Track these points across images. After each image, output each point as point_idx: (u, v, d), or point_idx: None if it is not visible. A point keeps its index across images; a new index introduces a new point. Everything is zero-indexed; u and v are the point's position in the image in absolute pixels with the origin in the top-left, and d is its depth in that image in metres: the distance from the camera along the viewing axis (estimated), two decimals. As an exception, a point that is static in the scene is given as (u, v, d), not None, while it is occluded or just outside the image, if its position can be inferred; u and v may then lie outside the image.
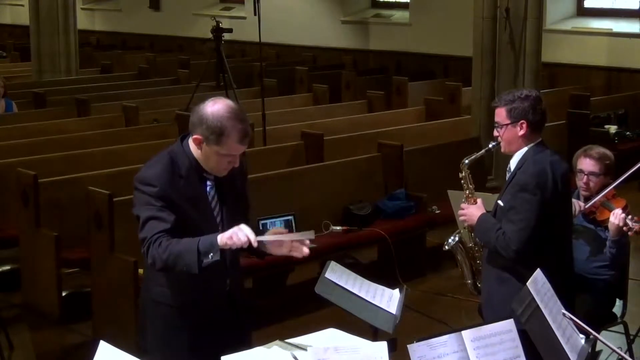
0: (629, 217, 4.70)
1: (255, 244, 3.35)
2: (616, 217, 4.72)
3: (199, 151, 3.51)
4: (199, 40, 13.66)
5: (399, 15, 14.67)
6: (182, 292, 3.55)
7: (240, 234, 3.31)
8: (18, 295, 6.60)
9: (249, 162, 6.46)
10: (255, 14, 8.52)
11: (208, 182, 3.57)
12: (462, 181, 4.32)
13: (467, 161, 4.33)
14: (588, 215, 4.97)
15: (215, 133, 3.42)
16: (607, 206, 4.90)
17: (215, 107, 3.46)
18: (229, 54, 11.83)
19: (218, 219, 3.58)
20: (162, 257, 3.37)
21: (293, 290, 6.76)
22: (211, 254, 3.32)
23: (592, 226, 4.98)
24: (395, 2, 15.08)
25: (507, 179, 4.18)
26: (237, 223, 3.45)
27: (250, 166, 6.84)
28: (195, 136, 3.49)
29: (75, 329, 6.18)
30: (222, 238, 3.32)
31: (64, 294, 6.34)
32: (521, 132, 4.10)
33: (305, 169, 7.54)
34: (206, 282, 3.51)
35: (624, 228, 4.71)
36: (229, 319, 3.64)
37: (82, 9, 18.05)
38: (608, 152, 5.10)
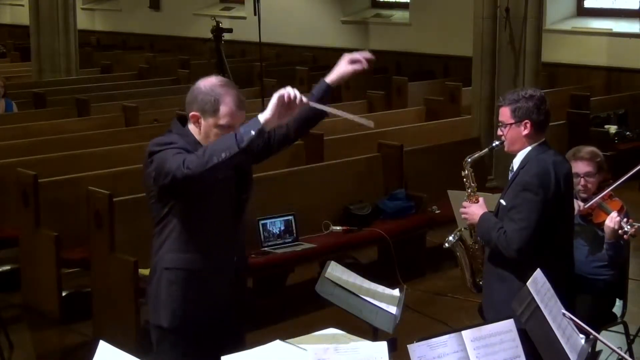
0: (625, 219, 4.71)
1: (305, 102, 3.32)
2: (612, 220, 4.73)
3: (198, 130, 3.51)
4: (199, 40, 13.64)
5: (399, 15, 14.67)
6: (195, 256, 3.54)
7: (289, 90, 3.26)
8: (18, 295, 6.60)
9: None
10: (255, 14, 8.53)
11: None
12: (465, 180, 4.31)
13: (469, 159, 4.32)
14: (585, 216, 4.97)
15: (210, 102, 3.45)
16: (603, 208, 4.89)
17: (207, 80, 3.53)
18: (229, 54, 11.85)
19: (232, 183, 3.56)
20: (197, 159, 3.27)
21: (293, 290, 6.76)
22: (252, 130, 3.21)
23: (589, 227, 4.98)
24: (395, 2, 15.09)
25: (509, 178, 4.18)
26: (248, 197, 3.58)
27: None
28: (192, 113, 3.50)
29: (75, 329, 6.18)
30: (269, 109, 3.24)
31: (64, 294, 6.35)
32: (525, 132, 4.10)
33: (305, 169, 7.54)
34: (216, 245, 3.54)
35: (620, 231, 4.71)
36: (236, 287, 3.67)
37: (82, 9, 18.06)
38: (596, 149, 5.11)
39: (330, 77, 3.67)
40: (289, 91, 3.29)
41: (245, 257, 3.88)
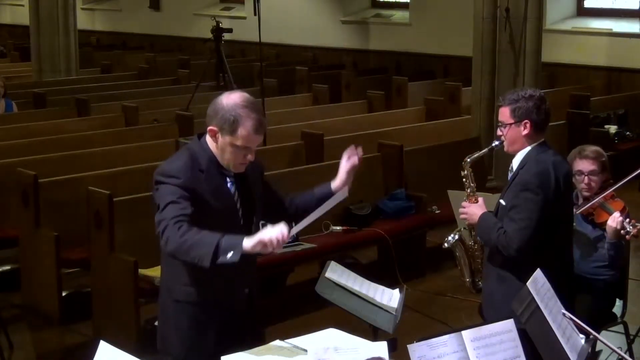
0: (627, 220, 4.71)
1: (290, 239, 3.37)
2: (614, 220, 4.73)
3: (215, 144, 3.52)
4: (199, 40, 13.63)
5: (399, 15, 14.67)
6: (206, 290, 3.54)
7: (274, 238, 3.28)
8: (18, 295, 6.59)
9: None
10: (255, 14, 8.51)
11: (228, 179, 3.58)
12: (464, 179, 4.31)
13: (469, 159, 4.32)
14: (586, 216, 4.98)
15: (229, 122, 3.44)
16: (605, 208, 4.90)
17: (231, 97, 3.50)
18: (229, 54, 11.84)
19: (240, 213, 3.58)
20: (178, 240, 3.32)
21: (293, 290, 6.76)
22: (231, 252, 3.27)
23: (590, 227, 4.99)
24: (395, 2, 15.08)
25: (509, 178, 4.18)
26: (257, 220, 3.55)
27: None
28: (210, 127, 3.50)
29: (75, 329, 6.18)
30: (250, 243, 3.29)
31: (64, 294, 6.34)
32: (525, 132, 4.09)
33: (305, 169, 7.54)
34: (229, 280, 3.52)
35: (622, 232, 4.72)
36: (247, 318, 3.66)
37: (82, 9, 18.05)
38: (600, 149, 5.13)
39: (335, 184, 3.78)
40: (274, 241, 3.29)
41: (258, 289, 3.81)
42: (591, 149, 5.08)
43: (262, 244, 3.28)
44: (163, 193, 3.45)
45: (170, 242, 3.34)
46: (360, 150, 3.79)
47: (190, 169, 3.48)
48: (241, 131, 3.44)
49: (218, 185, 3.54)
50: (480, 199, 4.27)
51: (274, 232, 3.29)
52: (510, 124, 4.12)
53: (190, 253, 3.31)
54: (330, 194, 3.70)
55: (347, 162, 3.78)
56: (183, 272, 3.52)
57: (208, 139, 3.55)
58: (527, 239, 3.96)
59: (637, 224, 4.70)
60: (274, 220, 3.52)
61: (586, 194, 5.00)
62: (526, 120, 4.08)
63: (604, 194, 4.94)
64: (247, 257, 3.45)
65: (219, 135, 3.48)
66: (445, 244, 4.51)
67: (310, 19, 15.33)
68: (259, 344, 3.43)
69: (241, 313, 3.63)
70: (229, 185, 3.57)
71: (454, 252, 4.51)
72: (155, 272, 5.47)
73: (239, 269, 3.41)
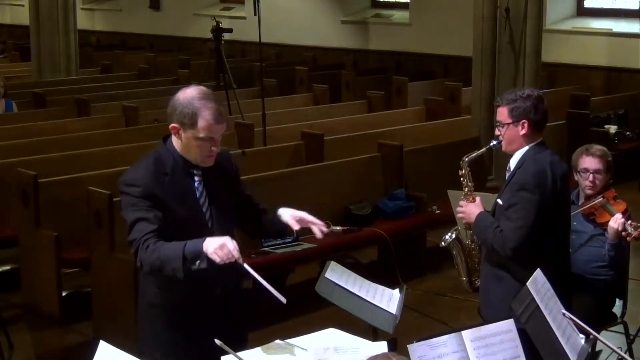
0: (629, 222, 4.71)
1: (240, 261, 3.33)
2: (616, 221, 4.74)
3: (179, 142, 3.52)
4: (199, 40, 13.64)
5: (399, 15, 14.67)
6: (175, 294, 3.55)
7: (225, 250, 3.27)
8: (18, 295, 6.60)
9: (248, 163, 6.47)
10: (255, 14, 8.51)
11: (196, 178, 3.57)
12: (462, 179, 4.32)
13: (467, 159, 4.33)
14: (588, 216, 4.98)
15: (188, 115, 3.44)
16: (607, 209, 4.90)
17: (187, 92, 3.51)
18: (229, 54, 11.83)
19: (207, 215, 3.57)
20: (149, 260, 3.37)
21: (293, 290, 6.75)
22: (198, 261, 3.31)
23: (591, 226, 4.99)
24: (395, 2, 15.08)
25: (506, 178, 4.18)
26: (228, 219, 3.51)
27: (250, 166, 6.86)
28: (172, 125, 3.51)
29: (75, 329, 6.18)
30: (208, 249, 3.29)
31: (64, 294, 6.35)
32: (522, 132, 4.10)
33: (305, 169, 7.54)
34: (198, 283, 3.49)
35: (623, 233, 4.72)
36: (223, 320, 3.63)
37: (82, 9, 18.05)
38: (606, 149, 5.14)
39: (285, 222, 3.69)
40: (222, 256, 3.28)
41: (237, 287, 3.74)
42: (597, 147, 5.10)
43: (213, 251, 3.28)
44: (126, 205, 3.48)
45: (144, 263, 3.40)
46: (324, 228, 3.69)
47: (152, 173, 3.48)
48: (201, 122, 3.44)
49: (183, 187, 3.53)
50: (477, 198, 4.27)
51: (217, 242, 3.29)
52: (508, 124, 4.12)
53: (164, 269, 3.36)
54: (283, 229, 3.72)
55: (296, 221, 3.69)
56: (152, 275, 3.54)
57: (173, 138, 3.55)
58: (523, 238, 3.96)
59: (639, 226, 4.70)
60: (245, 226, 3.66)
61: (589, 192, 5.01)
62: (524, 120, 4.09)
63: (595, 202, 4.94)
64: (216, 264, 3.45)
65: (182, 132, 3.48)
66: (442, 243, 4.51)
67: (310, 19, 15.33)
68: (242, 346, 3.41)
69: (216, 314, 3.60)
70: (196, 184, 3.56)
71: (451, 251, 4.52)
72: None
73: (211, 269, 3.40)
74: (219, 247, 3.28)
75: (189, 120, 3.45)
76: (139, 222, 3.42)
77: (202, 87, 3.57)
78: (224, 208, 3.62)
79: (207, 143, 3.48)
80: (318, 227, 3.66)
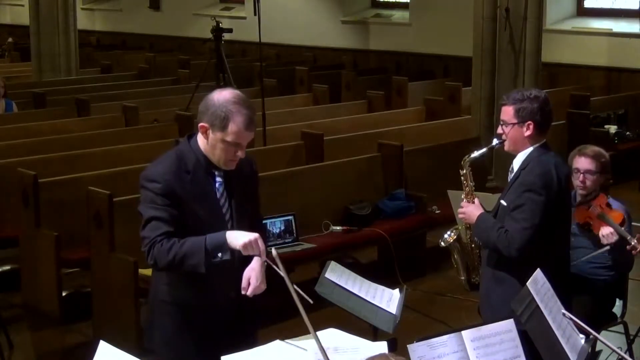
0: (635, 239, 4.74)
1: (264, 258, 3.38)
2: (606, 238, 4.79)
3: (206, 142, 3.51)
4: (199, 40, 13.63)
5: (399, 15, 14.67)
6: (188, 292, 3.55)
7: (256, 245, 3.32)
8: (18, 295, 6.60)
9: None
10: (255, 14, 8.52)
11: (217, 178, 3.56)
12: (463, 178, 4.30)
13: (468, 158, 4.31)
14: (583, 226, 4.97)
15: (220, 118, 3.43)
16: (604, 219, 4.88)
17: (222, 94, 3.49)
18: (229, 54, 11.82)
19: (227, 216, 3.57)
20: (166, 257, 3.38)
21: (293, 290, 6.75)
22: (220, 253, 3.33)
23: (587, 241, 4.98)
24: (395, 2, 15.08)
25: (509, 179, 4.16)
26: (246, 221, 3.51)
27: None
28: (201, 124, 3.49)
29: (75, 329, 6.18)
30: (234, 240, 3.32)
31: (64, 294, 6.35)
32: (527, 133, 4.07)
33: (305, 169, 7.54)
34: (213, 283, 3.50)
35: (628, 247, 4.74)
36: (234, 321, 3.63)
37: (82, 9, 18.06)
38: (603, 150, 5.12)
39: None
40: (254, 249, 3.34)
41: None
42: (592, 148, 5.09)
43: (245, 247, 3.32)
44: (144, 201, 3.48)
45: (160, 261, 3.41)
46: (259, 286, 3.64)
47: (174, 171, 3.48)
48: (232, 127, 3.43)
49: (204, 186, 3.53)
50: (476, 199, 4.26)
51: (250, 236, 3.34)
52: (513, 124, 4.09)
53: (183, 265, 3.37)
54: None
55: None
56: (165, 273, 3.54)
57: (199, 137, 3.54)
58: (528, 239, 3.95)
59: None
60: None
61: (581, 192, 5.01)
62: (529, 122, 4.06)
63: (594, 203, 4.94)
64: (232, 263, 3.46)
65: (210, 132, 3.47)
66: (441, 242, 4.51)
67: (310, 19, 15.33)
68: (252, 343, 3.41)
69: (227, 319, 3.61)
70: (217, 185, 3.56)
71: (450, 251, 4.52)
72: (155, 272, 5.47)
73: (223, 272, 3.42)
74: (251, 240, 3.32)
75: (220, 123, 3.43)
76: (154, 220, 3.43)
77: (238, 92, 3.55)
78: (243, 211, 3.62)
79: (233, 148, 3.47)
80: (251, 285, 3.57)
